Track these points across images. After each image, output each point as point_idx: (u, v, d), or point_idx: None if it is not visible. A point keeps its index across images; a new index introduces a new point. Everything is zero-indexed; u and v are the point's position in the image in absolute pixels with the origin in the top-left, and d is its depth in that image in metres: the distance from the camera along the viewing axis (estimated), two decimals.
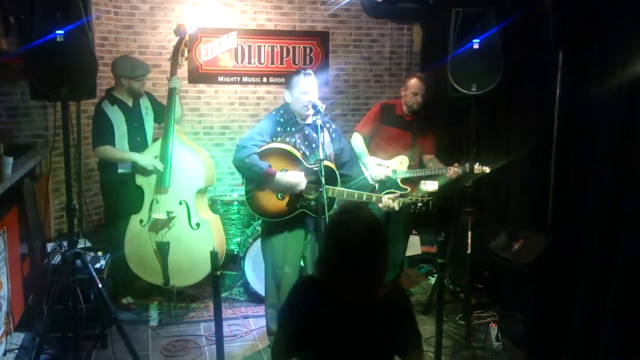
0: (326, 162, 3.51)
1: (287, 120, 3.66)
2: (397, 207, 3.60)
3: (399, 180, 4.63)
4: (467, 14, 3.94)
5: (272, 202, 3.62)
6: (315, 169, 3.46)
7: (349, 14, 6.20)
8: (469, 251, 4.09)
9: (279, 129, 3.64)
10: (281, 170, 3.55)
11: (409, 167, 4.68)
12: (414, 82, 4.62)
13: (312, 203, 3.56)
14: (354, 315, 2.02)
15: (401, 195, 3.68)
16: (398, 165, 4.67)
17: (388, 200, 3.58)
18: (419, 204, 3.58)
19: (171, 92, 4.47)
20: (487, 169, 4.42)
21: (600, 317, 3.32)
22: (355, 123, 6.06)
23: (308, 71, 3.64)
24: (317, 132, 3.43)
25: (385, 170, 4.62)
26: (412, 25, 6.34)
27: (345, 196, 3.57)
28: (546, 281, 3.77)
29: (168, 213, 4.35)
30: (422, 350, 2.21)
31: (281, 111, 3.70)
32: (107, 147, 4.41)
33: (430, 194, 3.69)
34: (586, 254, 3.54)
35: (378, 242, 2.06)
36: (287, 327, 2.13)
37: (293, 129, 3.65)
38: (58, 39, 3.22)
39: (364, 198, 3.59)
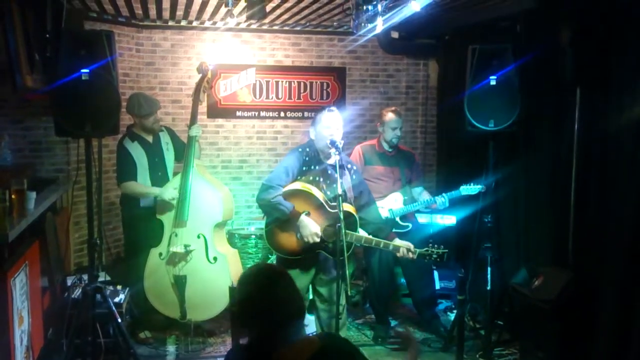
0: (347, 207, 3.52)
1: (312, 158, 3.68)
2: (414, 257, 3.57)
3: (398, 219, 4.63)
4: (484, 51, 3.98)
5: (291, 240, 3.62)
6: (335, 211, 3.46)
7: (365, 50, 6.28)
8: (488, 287, 4.05)
9: (304, 167, 3.66)
10: (303, 213, 3.57)
11: (405, 202, 4.68)
12: (390, 116, 4.66)
13: (330, 245, 3.56)
14: None
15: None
16: (393, 203, 4.66)
17: (406, 252, 3.55)
18: (434, 256, 3.53)
19: (190, 139, 4.49)
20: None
21: (625, 355, 3.26)
22: None
23: (332, 108, 3.67)
24: (337, 171, 3.43)
25: (381, 212, 4.61)
26: (429, 60, 6.40)
27: (363, 242, 3.57)
28: (568, 318, 3.71)
29: (186, 246, 4.37)
30: None
31: (307, 149, 3.71)
32: (131, 182, 4.48)
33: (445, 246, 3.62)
34: (609, 290, 3.49)
35: (285, 296, 1.95)
36: None
37: (317, 167, 3.66)
38: (83, 77, 3.31)
39: (381, 245, 3.59)
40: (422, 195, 4.79)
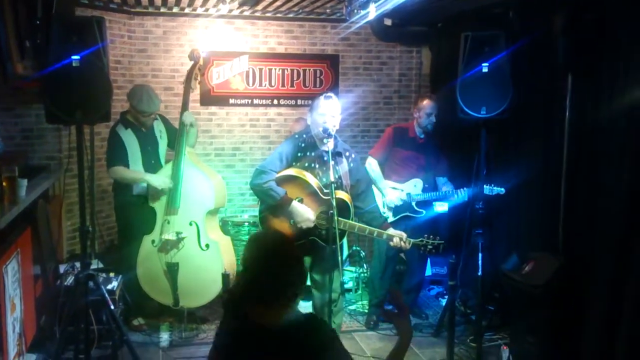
0: (340, 194, 3.53)
1: (308, 144, 3.66)
2: (407, 247, 3.58)
3: (413, 204, 4.65)
4: (476, 38, 3.97)
5: (284, 227, 3.62)
6: (327, 198, 3.46)
7: (358, 37, 6.27)
8: (479, 273, 4.09)
9: (299, 153, 3.65)
10: (296, 199, 3.57)
11: (424, 190, 4.71)
12: (427, 102, 4.70)
13: (323, 232, 3.56)
14: (264, 340, 1.96)
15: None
16: (412, 188, 4.70)
17: (399, 241, 3.56)
18: (429, 247, 3.55)
19: (182, 127, 4.49)
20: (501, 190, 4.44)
21: (614, 340, 3.29)
22: (364, 145, 6.12)
23: (329, 94, 3.65)
24: (330, 158, 3.43)
25: (400, 194, 4.65)
26: (422, 48, 6.39)
27: (356, 230, 3.57)
28: (558, 303, 3.75)
29: (177, 234, 4.38)
30: None
31: (304, 135, 3.70)
32: (120, 167, 4.44)
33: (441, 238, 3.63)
34: (598, 275, 3.52)
35: (278, 263, 2.02)
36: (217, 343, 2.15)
37: (312, 153, 3.64)
38: (74, 64, 3.29)
39: (375, 234, 3.60)
40: (445, 186, 4.80)
